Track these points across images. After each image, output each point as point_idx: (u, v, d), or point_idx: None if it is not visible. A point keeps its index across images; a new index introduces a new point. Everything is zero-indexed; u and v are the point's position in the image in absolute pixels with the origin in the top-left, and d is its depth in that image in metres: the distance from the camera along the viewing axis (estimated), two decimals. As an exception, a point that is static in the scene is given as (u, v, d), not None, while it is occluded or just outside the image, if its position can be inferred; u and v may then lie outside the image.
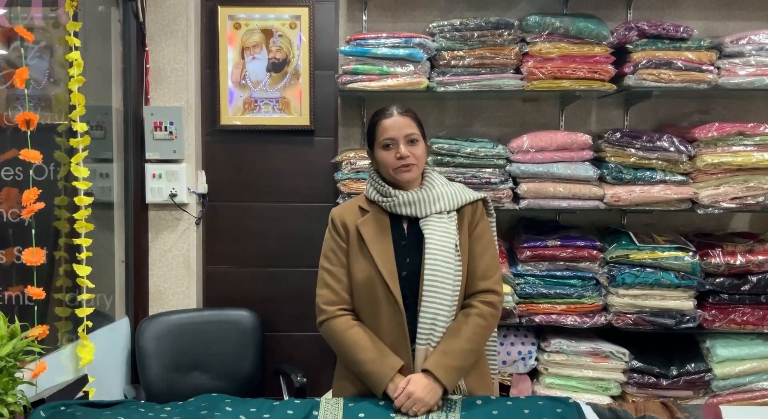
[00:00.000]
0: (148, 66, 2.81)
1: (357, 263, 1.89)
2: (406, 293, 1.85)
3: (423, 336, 1.82)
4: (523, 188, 2.65)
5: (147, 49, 2.81)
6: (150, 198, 2.83)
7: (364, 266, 1.88)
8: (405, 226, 1.94)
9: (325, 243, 1.99)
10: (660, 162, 2.65)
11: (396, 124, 1.91)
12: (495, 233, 2.04)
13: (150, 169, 2.82)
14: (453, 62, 2.66)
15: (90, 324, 2.33)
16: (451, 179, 2.08)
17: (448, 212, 1.92)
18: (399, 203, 1.91)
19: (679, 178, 2.66)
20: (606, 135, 2.68)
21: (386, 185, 1.94)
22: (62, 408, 1.64)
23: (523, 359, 2.72)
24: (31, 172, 2.04)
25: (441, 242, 1.86)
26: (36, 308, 2.01)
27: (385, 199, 1.93)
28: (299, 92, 2.93)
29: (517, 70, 2.70)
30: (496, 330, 2.05)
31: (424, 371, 1.78)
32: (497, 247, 2.03)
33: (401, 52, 2.63)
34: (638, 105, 2.94)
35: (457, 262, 1.87)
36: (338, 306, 1.90)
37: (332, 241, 1.96)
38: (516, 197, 2.71)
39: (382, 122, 1.93)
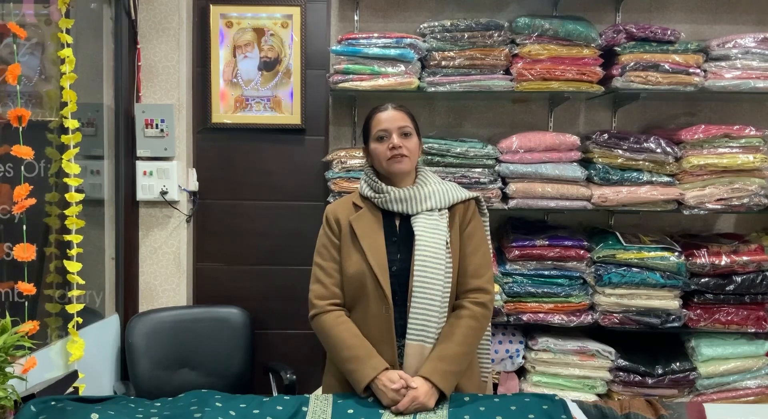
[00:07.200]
0: (139, 64, 2.81)
1: (349, 257, 1.92)
2: (396, 288, 1.87)
3: (415, 331, 1.83)
4: (512, 188, 2.67)
5: (139, 46, 2.81)
6: (141, 195, 2.83)
7: (355, 260, 1.90)
8: (397, 223, 1.96)
9: (319, 240, 2.02)
10: (647, 163, 2.68)
11: (390, 116, 1.96)
12: (488, 233, 2.06)
13: (141, 166, 2.82)
14: (443, 63, 2.68)
15: (80, 320, 2.33)
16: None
17: (440, 210, 1.94)
18: (391, 200, 1.93)
19: (666, 179, 2.69)
20: (594, 136, 2.71)
21: (379, 181, 1.97)
22: (52, 402, 1.63)
23: (510, 357, 2.75)
24: (22, 168, 2.04)
25: (431, 239, 1.88)
26: (26, 304, 2.01)
27: (377, 195, 1.95)
28: (290, 91, 2.94)
29: (507, 72, 2.72)
30: (491, 329, 2.06)
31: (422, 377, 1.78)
32: (490, 246, 2.05)
33: (392, 52, 2.65)
34: (626, 107, 2.97)
35: (448, 260, 1.88)
36: (329, 301, 1.92)
37: (325, 237, 2.00)
38: (505, 197, 2.73)
39: (377, 115, 1.98)
